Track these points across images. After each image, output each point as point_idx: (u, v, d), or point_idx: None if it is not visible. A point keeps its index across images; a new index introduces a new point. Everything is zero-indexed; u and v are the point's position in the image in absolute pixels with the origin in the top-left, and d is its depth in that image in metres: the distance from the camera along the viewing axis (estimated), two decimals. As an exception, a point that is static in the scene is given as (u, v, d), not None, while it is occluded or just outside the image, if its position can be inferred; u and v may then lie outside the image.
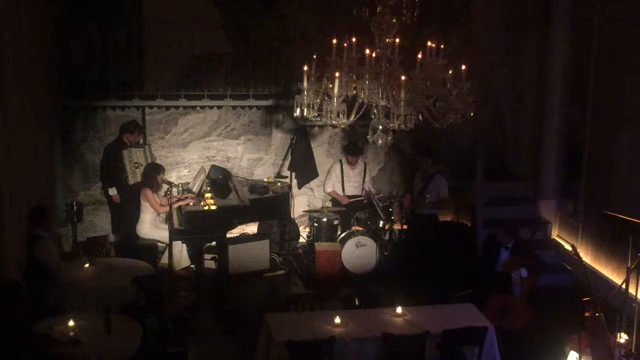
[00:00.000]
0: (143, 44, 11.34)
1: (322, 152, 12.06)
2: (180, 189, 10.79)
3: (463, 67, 6.81)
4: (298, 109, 6.66)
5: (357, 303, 9.57)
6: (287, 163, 11.78)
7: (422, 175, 10.77)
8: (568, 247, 10.57)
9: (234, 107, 11.77)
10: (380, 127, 6.51)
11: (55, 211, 10.40)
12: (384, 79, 6.41)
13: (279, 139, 11.96)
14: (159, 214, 10.23)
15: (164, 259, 10.17)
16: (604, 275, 9.92)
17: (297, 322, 7.68)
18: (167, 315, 8.72)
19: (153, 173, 10.17)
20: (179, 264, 10.27)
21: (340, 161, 11.28)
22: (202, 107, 11.69)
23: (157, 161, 11.04)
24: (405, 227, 11.18)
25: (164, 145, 11.66)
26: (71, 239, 10.97)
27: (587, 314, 7.38)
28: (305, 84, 6.48)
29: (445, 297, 8.98)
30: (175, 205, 10.09)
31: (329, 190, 11.26)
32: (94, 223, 11.56)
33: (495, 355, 7.61)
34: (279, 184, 11.27)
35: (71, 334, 6.98)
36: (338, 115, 6.46)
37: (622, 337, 7.39)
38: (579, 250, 8.19)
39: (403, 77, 6.24)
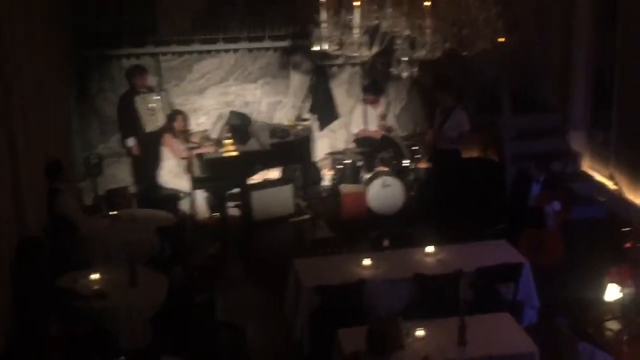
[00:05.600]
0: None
1: (342, 93, 11.77)
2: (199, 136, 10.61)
3: (491, -10, 6.46)
4: (317, 44, 6.36)
5: (386, 244, 9.39)
6: (307, 105, 11.52)
7: (441, 109, 10.46)
8: (600, 179, 10.34)
9: (250, 50, 11.46)
10: (405, 59, 6.21)
11: (73, 164, 10.26)
12: (407, 6, 6.09)
13: (298, 80, 11.67)
14: (181, 159, 10.05)
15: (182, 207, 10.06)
16: (639, 206, 9.61)
17: (325, 266, 7.52)
18: (193, 265, 8.62)
19: (169, 119, 10.09)
20: (198, 213, 10.14)
21: (363, 100, 11.00)
22: (217, 52, 11.39)
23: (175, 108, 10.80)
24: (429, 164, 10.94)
25: (181, 92, 11.39)
26: (92, 192, 10.82)
27: (627, 245, 7.13)
28: (323, 15, 6.16)
29: (477, 234, 8.74)
30: (195, 153, 9.95)
31: (356, 130, 11.01)
32: (114, 176, 11.36)
33: (532, 291, 7.44)
34: (299, 127, 11.10)
35: (96, 287, 6.90)
36: (359, 47, 6.16)
37: (664, 267, 7.14)
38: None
39: (427, 3, 5.91)
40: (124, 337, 6.57)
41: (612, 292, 7.42)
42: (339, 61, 11.45)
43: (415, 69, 6.32)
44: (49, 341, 6.22)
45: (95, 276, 7.02)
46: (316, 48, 6.43)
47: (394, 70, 6.39)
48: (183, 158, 10.05)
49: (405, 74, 6.30)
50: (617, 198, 8.06)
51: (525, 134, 11.02)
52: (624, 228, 7.35)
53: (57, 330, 6.28)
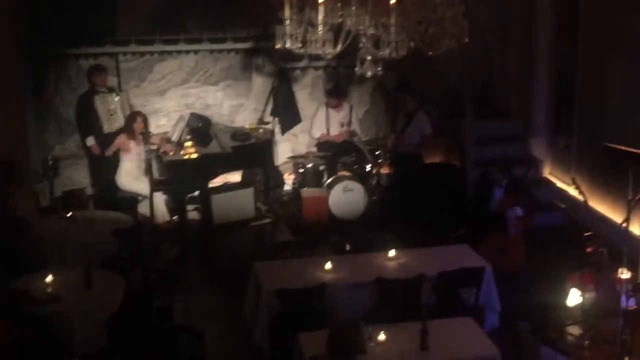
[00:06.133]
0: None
1: (305, 96, 11.67)
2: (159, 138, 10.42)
3: (457, -12, 6.37)
4: (280, 41, 6.23)
5: (347, 248, 9.31)
6: (269, 108, 11.37)
7: (404, 113, 10.44)
8: (562, 185, 10.37)
9: (211, 52, 11.32)
10: (369, 57, 6.11)
11: (27, 166, 10.01)
12: (371, 4, 6.00)
13: (260, 83, 11.55)
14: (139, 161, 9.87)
15: (140, 210, 9.87)
16: (599, 212, 9.63)
17: (286, 270, 7.40)
18: (151, 268, 8.46)
19: (129, 120, 9.89)
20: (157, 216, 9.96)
21: (326, 104, 10.91)
22: (178, 52, 11.22)
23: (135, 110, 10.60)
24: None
25: (141, 93, 11.20)
26: (48, 194, 10.58)
27: (589, 250, 7.12)
28: (286, 12, 6.05)
29: (440, 238, 8.70)
30: (154, 155, 9.79)
31: (317, 135, 10.92)
32: (71, 178, 11.13)
33: (494, 296, 7.39)
34: (261, 130, 10.96)
35: (50, 290, 6.69)
36: (324, 45, 6.05)
37: (625, 274, 7.11)
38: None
39: (392, 1, 5.83)
40: (77, 341, 6.38)
41: (574, 297, 7.40)
42: (302, 64, 11.37)
43: (380, 69, 6.22)
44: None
45: (49, 279, 6.81)
46: (279, 46, 6.31)
47: (358, 70, 6.29)
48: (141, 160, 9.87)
49: (369, 74, 6.19)
50: (578, 204, 8.04)
51: (488, 140, 11.01)
52: (586, 233, 7.33)
53: (9, 334, 6.07)
